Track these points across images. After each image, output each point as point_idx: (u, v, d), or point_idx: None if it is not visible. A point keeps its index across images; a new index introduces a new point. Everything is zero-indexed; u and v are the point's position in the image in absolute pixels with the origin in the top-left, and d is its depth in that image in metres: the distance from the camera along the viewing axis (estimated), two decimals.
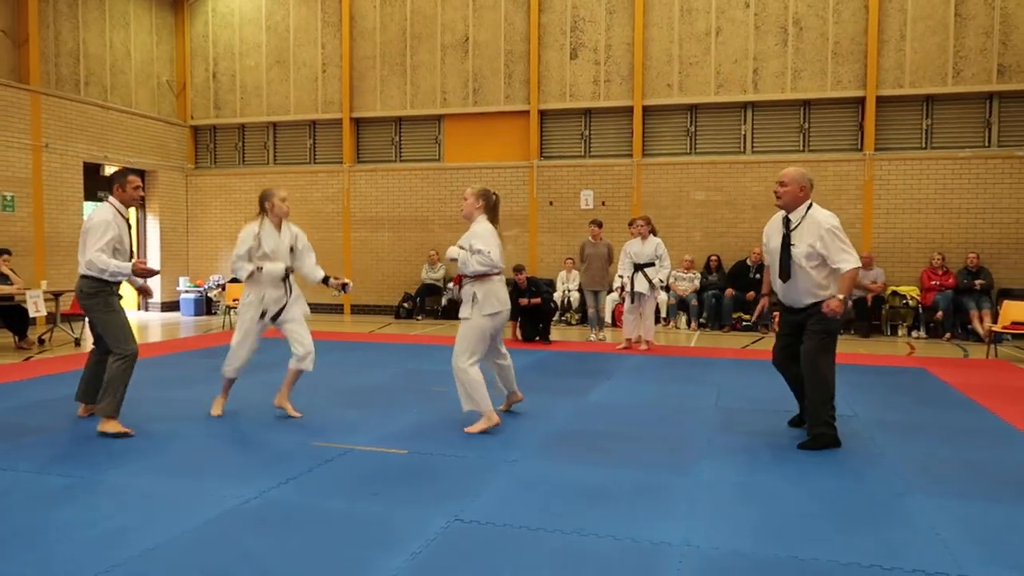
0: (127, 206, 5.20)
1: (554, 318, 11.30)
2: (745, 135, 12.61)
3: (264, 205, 5.40)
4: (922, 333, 11.08)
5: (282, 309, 5.45)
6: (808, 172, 4.98)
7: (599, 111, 13.18)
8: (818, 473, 4.18)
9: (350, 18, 13.97)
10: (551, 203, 13.26)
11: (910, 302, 11.27)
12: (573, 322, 12.29)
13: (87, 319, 5.29)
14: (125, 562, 2.91)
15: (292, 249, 5.48)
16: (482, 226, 5.00)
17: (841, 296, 4.62)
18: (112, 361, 4.89)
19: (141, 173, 14.08)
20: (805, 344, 4.81)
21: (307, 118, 14.48)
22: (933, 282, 11.11)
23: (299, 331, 5.48)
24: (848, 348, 9.87)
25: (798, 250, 4.75)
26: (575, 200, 13.14)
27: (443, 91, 13.69)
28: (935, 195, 11.69)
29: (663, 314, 11.98)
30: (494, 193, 5.17)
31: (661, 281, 9.38)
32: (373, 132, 14.34)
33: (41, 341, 9.58)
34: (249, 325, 5.45)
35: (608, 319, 11.60)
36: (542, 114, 13.36)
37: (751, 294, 11.56)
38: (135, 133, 13.88)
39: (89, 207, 13.77)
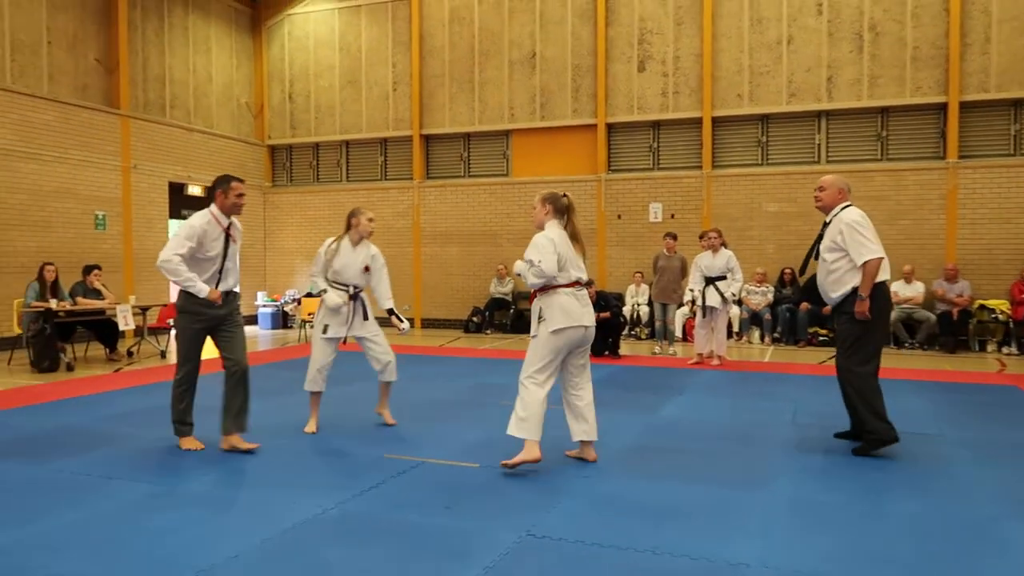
0: (228, 214, 4.83)
1: (623, 332, 11.21)
2: (819, 145, 12.29)
3: (351, 222, 5.54)
4: (1013, 349, 10.54)
5: (351, 326, 5.54)
6: (846, 179, 5.19)
7: (667, 123, 13.06)
8: (902, 494, 4.01)
9: (420, 37, 14.27)
10: (619, 217, 13.19)
11: (1000, 316, 10.74)
12: (643, 336, 12.16)
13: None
14: (210, 568, 3.02)
15: (368, 269, 5.58)
16: (542, 234, 4.48)
17: (863, 295, 4.68)
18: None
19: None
20: (838, 359, 4.94)
21: (378, 136, 14.83)
22: None
23: (373, 347, 5.60)
24: (933, 364, 9.47)
25: (823, 244, 4.98)
26: (644, 213, 13.04)
27: (511, 106, 13.82)
28: None
29: (736, 328, 11.74)
30: (564, 195, 4.58)
31: (733, 295, 9.19)
32: (442, 148, 14.57)
33: (130, 353, 10.04)
34: (317, 341, 5.59)
35: (678, 333, 11.45)
36: (609, 127, 13.33)
37: (828, 308, 11.20)
38: (216, 153, 14.47)
39: (174, 225, 14.42)
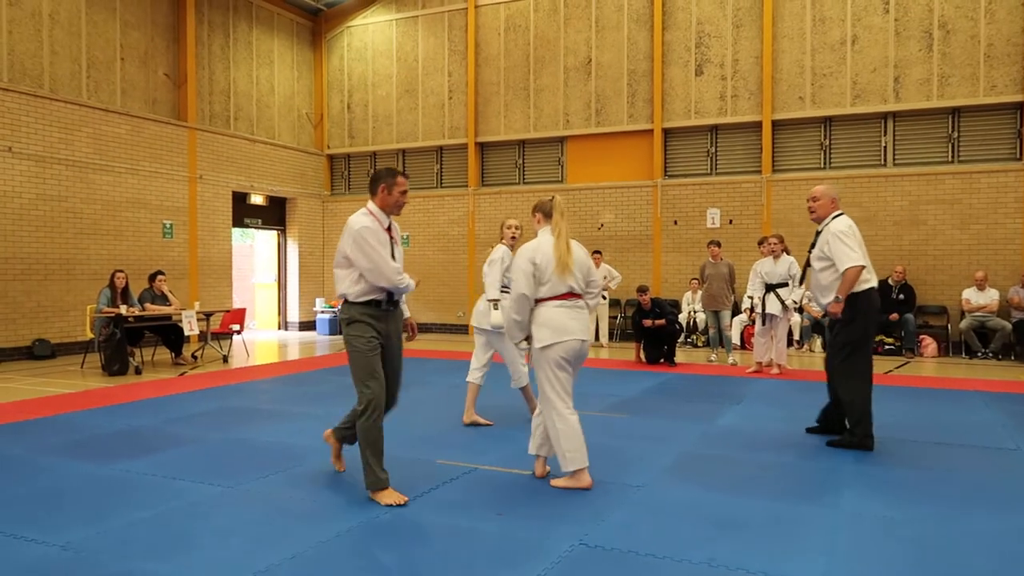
0: (389, 213, 4.17)
1: (679, 340, 11.04)
2: (886, 147, 11.91)
3: (503, 231, 5.92)
4: None
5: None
6: (836, 189, 5.57)
7: (726, 127, 12.85)
8: (973, 509, 3.83)
9: (475, 46, 14.38)
10: (676, 222, 13.02)
11: None
12: (699, 344, 11.96)
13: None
14: (267, 569, 3.07)
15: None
16: (519, 254, 4.31)
17: (840, 296, 4.96)
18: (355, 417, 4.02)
19: (282, 201, 15.06)
20: (832, 361, 5.23)
21: (434, 144, 14.98)
22: None
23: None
24: (1010, 375, 9.05)
25: (813, 253, 5.24)
26: (701, 219, 12.84)
27: (566, 113, 13.80)
28: None
29: (796, 337, 11.45)
30: (552, 197, 4.40)
31: (794, 302, 8.96)
32: (497, 156, 14.64)
33: (194, 358, 10.34)
34: (509, 345, 5.79)
35: (737, 341, 11.22)
36: (666, 132, 13.18)
37: (895, 315, 10.85)
38: (277, 163, 14.84)
39: (237, 233, 14.83)
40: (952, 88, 11.38)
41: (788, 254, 8.99)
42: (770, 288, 8.88)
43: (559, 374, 4.15)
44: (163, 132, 12.49)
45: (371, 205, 4.18)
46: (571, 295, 4.21)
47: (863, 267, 5.01)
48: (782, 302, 8.81)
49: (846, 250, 4.98)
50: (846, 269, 4.97)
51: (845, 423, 5.28)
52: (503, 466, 4.64)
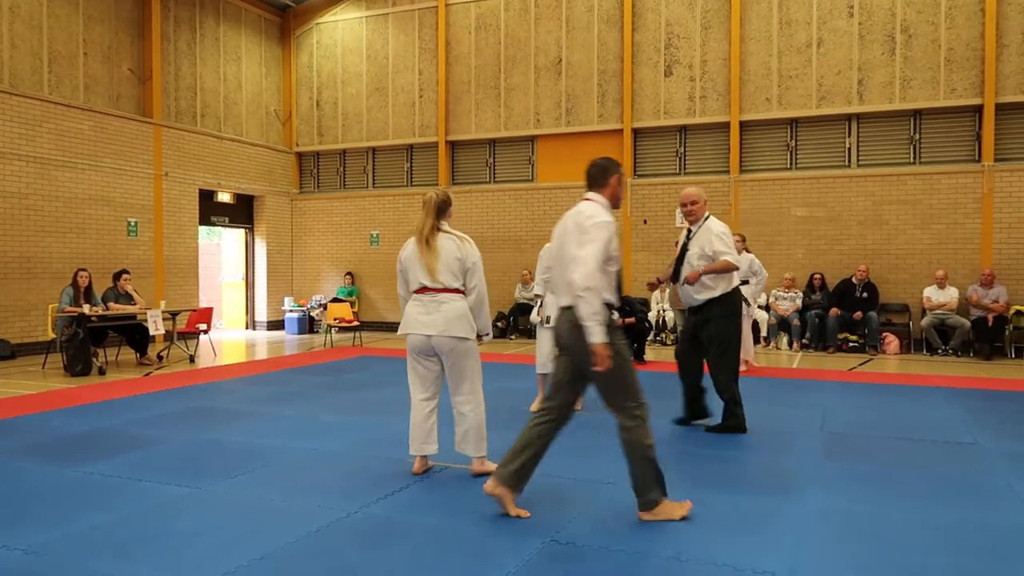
0: (615, 207, 3.81)
1: (649, 338, 11.13)
2: (850, 148, 12.13)
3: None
4: None
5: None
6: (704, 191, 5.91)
7: (695, 128, 12.98)
8: (936, 504, 3.92)
9: (446, 44, 14.34)
10: (645, 222, 13.12)
11: None
12: (668, 342, 12.07)
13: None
14: (236, 570, 3.04)
15: None
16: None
17: (704, 270, 5.39)
18: (622, 431, 3.59)
19: (250, 199, 14.88)
20: (709, 352, 5.52)
21: (404, 142, 14.92)
22: None
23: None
24: (968, 371, 9.28)
25: (694, 252, 5.49)
26: (670, 218, 12.95)
27: (536, 112, 13.83)
28: None
29: (764, 334, 11.61)
30: (434, 194, 4.31)
31: (761, 305, 9.07)
32: (468, 154, 14.62)
33: (160, 358, 10.18)
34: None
35: None
36: (636, 132, 13.28)
37: (859, 314, 11.06)
38: (245, 161, 14.66)
39: (204, 232, 14.63)
40: (914, 91, 11.62)
41: (748, 252, 9.11)
42: None
43: (412, 363, 4.37)
44: (127, 128, 12.27)
45: (598, 196, 3.74)
46: (425, 290, 4.24)
47: (738, 267, 5.56)
48: (745, 300, 8.91)
49: (728, 249, 5.44)
50: (725, 261, 5.42)
51: (705, 408, 5.79)
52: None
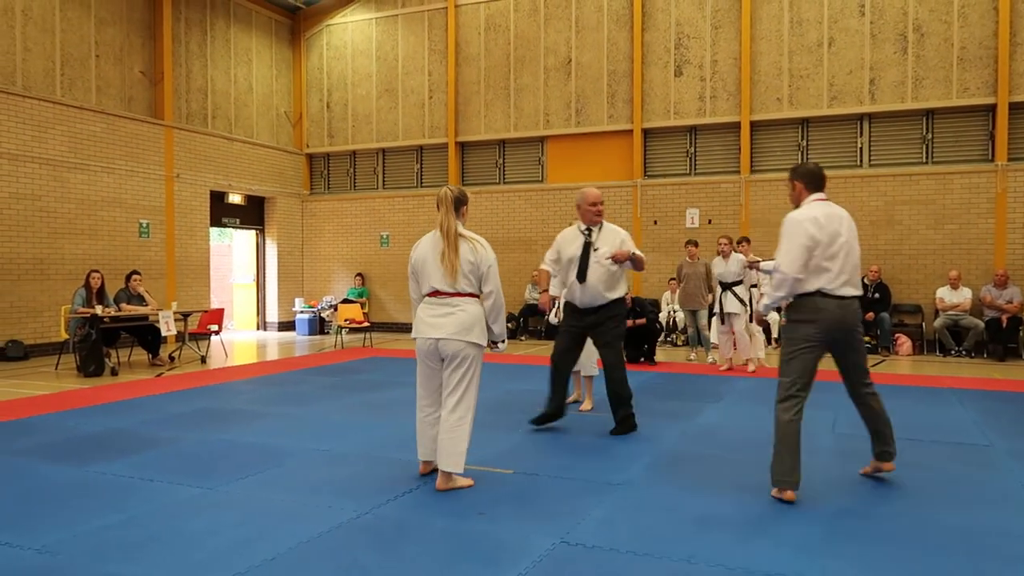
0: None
1: (659, 339, 11.11)
2: (861, 148, 12.06)
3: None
4: None
5: None
6: None
7: (705, 128, 12.94)
8: (949, 506, 3.89)
9: (455, 45, 14.36)
10: (655, 222, 13.09)
11: None
12: (679, 343, 12.04)
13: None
14: (247, 571, 3.05)
15: None
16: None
17: (632, 254, 5.47)
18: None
19: (261, 200, 14.95)
20: (605, 354, 5.60)
21: (414, 143, 14.95)
22: None
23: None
24: (982, 373, 9.20)
25: (602, 251, 5.52)
26: (680, 219, 12.92)
27: (546, 113, 13.82)
28: None
29: (775, 335, 11.55)
30: (449, 190, 4.24)
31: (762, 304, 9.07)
32: (477, 155, 14.63)
33: (172, 358, 10.23)
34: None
35: (714, 339, 11.30)
36: (646, 133, 13.25)
37: (871, 315, 10.99)
38: (256, 162, 14.72)
39: (215, 233, 14.70)
40: (926, 90, 11.55)
41: (736, 252, 9.14)
42: (726, 287, 9.02)
43: (419, 368, 4.25)
44: (139, 130, 12.34)
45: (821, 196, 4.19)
46: (436, 293, 4.12)
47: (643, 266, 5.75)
48: (740, 300, 8.95)
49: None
50: (642, 256, 5.62)
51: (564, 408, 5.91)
52: (484, 465, 4.64)
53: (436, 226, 4.22)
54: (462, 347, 4.07)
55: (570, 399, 6.77)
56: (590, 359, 6.42)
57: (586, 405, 6.52)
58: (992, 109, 11.25)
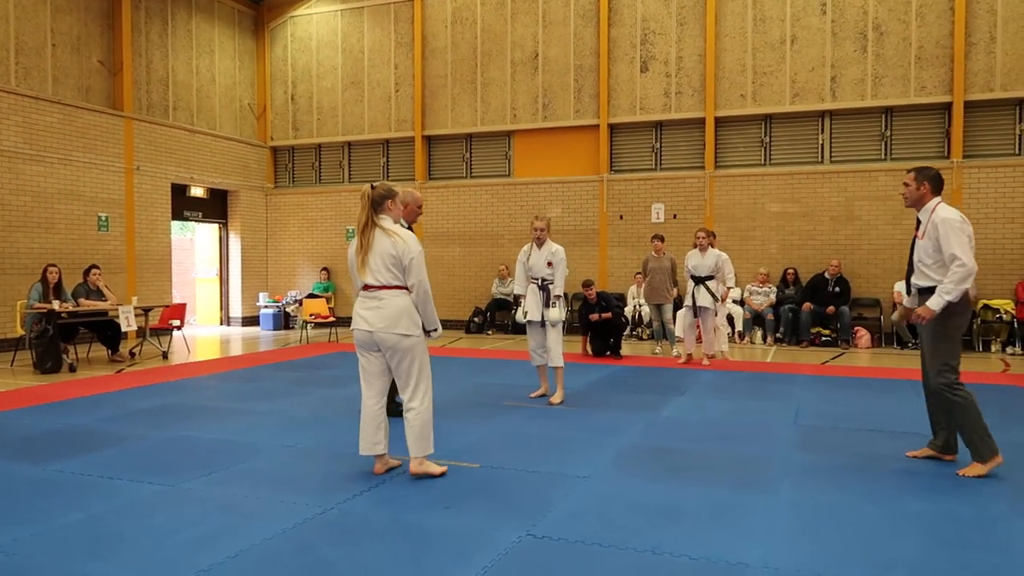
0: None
1: (625, 333, 11.20)
2: (823, 145, 12.27)
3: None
4: (1017, 349, 10.51)
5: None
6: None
7: (670, 123, 13.05)
8: (905, 495, 4.00)
9: (422, 38, 14.27)
10: (621, 217, 13.18)
11: (1004, 316, 10.70)
12: (644, 337, 12.15)
13: None
14: (210, 568, 3.02)
15: (550, 264, 6.65)
16: None
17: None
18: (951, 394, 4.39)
19: (224, 193, 14.72)
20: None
21: (380, 137, 14.84)
22: None
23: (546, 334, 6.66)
24: None
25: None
26: (646, 214, 13.03)
27: (513, 107, 13.82)
28: None
29: (738, 329, 11.72)
30: (370, 187, 4.28)
31: (731, 297, 9.22)
32: (444, 149, 14.58)
33: (132, 354, 10.05)
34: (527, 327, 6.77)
35: (679, 333, 11.44)
36: (612, 128, 13.32)
37: (831, 308, 11.20)
38: (219, 155, 14.49)
39: (177, 227, 14.44)
40: (885, 88, 11.79)
41: (714, 248, 9.21)
42: (698, 281, 9.08)
43: (359, 360, 4.34)
44: (97, 121, 12.07)
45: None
46: (368, 287, 4.22)
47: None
48: (712, 294, 9.02)
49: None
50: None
51: None
52: (449, 459, 4.64)
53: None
54: (396, 339, 4.16)
55: (536, 393, 6.81)
56: (558, 350, 6.52)
57: (556, 398, 6.56)
58: (948, 107, 11.53)
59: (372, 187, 4.26)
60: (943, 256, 4.32)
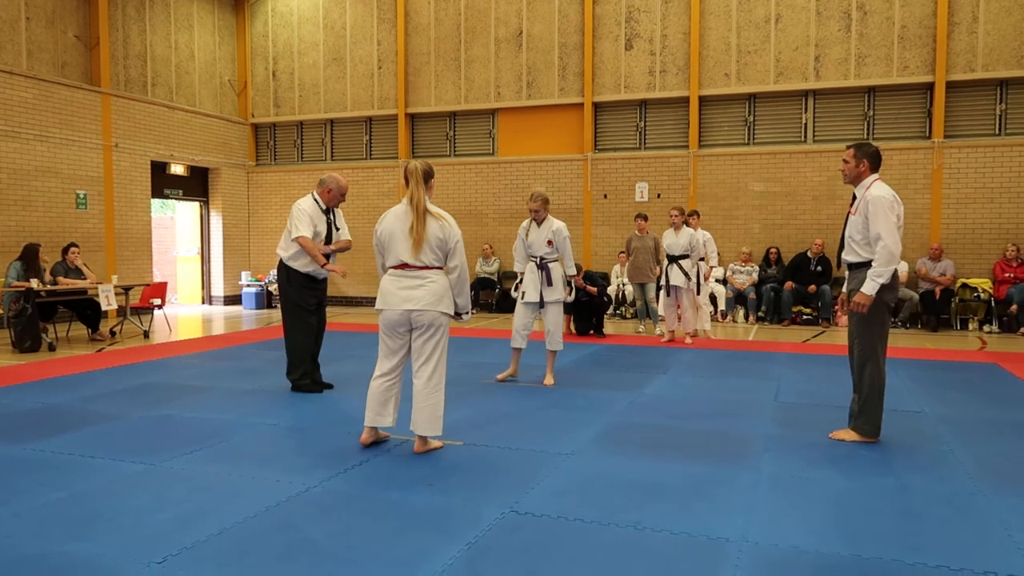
0: None
1: (608, 312, 11.24)
2: (806, 124, 12.30)
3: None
4: (995, 327, 10.66)
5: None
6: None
7: (654, 102, 13.02)
8: (883, 470, 4.06)
9: (405, 14, 14.11)
10: (605, 196, 13.18)
11: (982, 295, 10.85)
12: (628, 316, 12.21)
13: None
14: (194, 545, 3.02)
15: (551, 242, 6.42)
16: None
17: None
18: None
19: (204, 171, 14.56)
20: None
21: (363, 114, 14.70)
22: (1007, 274, 10.68)
23: (545, 315, 6.58)
24: (916, 342, 9.57)
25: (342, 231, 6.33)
26: (630, 193, 13.03)
27: (497, 85, 13.73)
28: (1009, 184, 11.22)
29: (721, 307, 11.80)
30: (418, 163, 4.28)
31: (714, 277, 9.29)
32: (428, 127, 14.47)
33: (113, 333, 9.96)
34: (518, 305, 6.62)
35: (662, 312, 11.51)
36: (596, 106, 13.28)
37: (812, 287, 11.29)
38: (199, 132, 14.30)
39: (157, 205, 14.26)
40: (868, 68, 11.81)
41: (689, 227, 9.25)
42: (672, 259, 9.13)
43: (383, 338, 4.32)
44: (74, 97, 11.86)
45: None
46: (405, 266, 4.21)
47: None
48: (685, 273, 9.07)
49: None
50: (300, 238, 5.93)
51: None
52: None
53: (398, 199, 4.35)
54: (436, 316, 4.21)
55: (504, 374, 6.68)
56: (559, 334, 6.48)
57: (548, 379, 6.51)
58: (930, 87, 11.59)
59: (420, 163, 4.26)
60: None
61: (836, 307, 11.42)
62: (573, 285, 6.45)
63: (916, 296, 10.99)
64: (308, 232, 5.86)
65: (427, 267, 4.21)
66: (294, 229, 5.88)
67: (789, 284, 11.43)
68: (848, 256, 4.57)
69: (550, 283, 6.40)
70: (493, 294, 13.41)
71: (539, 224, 6.43)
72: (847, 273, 4.62)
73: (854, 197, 4.57)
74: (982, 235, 11.34)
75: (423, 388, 4.24)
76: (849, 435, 4.62)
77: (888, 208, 4.33)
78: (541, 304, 6.45)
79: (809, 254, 11.58)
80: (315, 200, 6.07)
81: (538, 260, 6.43)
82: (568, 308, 10.11)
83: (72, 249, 9.66)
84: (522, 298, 6.49)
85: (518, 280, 6.61)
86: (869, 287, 4.35)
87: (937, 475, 3.99)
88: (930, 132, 11.63)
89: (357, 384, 5.98)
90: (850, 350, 4.66)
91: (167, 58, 13.76)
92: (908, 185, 11.59)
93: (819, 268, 11.49)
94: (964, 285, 11.00)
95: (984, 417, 5.38)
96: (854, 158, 4.54)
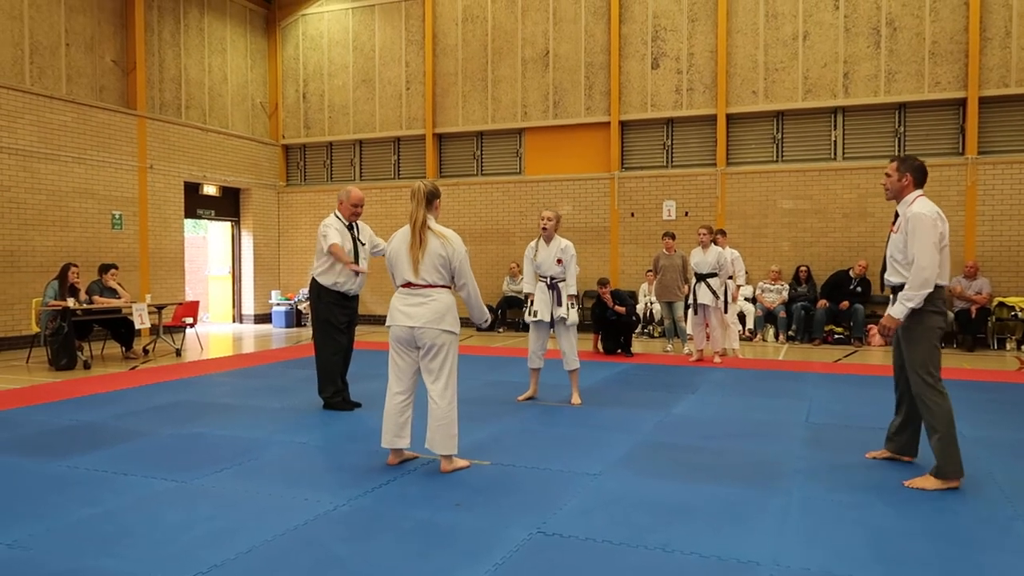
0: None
1: (636, 331, 11.18)
2: (835, 141, 12.19)
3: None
4: None
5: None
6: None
7: (681, 120, 13.00)
8: (918, 493, 3.97)
9: (433, 36, 14.29)
10: (632, 214, 13.15)
11: (1019, 314, 10.60)
12: (656, 335, 12.12)
13: None
14: (223, 563, 3.04)
15: (560, 261, 6.42)
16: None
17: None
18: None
19: (236, 191, 14.79)
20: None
21: (392, 135, 14.87)
22: None
23: (559, 335, 6.56)
24: (952, 363, 9.37)
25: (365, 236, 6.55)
26: (657, 211, 12.99)
27: (524, 105, 13.81)
28: None
29: (749, 326, 11.67)
30: (422, 184, 4.32)
31: (742, 296, 9.20)
32: (455, 147, 14.59)
33: (146, 352, 10.12)
34: (531, 326, 6.64)
35: (690, 330, 11.41)
36: (623, 125, 13.29)
37: (845, 303, 11.12)
38: (231, 153, 14.57)
39: (189, 225, 14.52)
40: (898, 84, 11.69)
41: (717, 245, 9.19)
42: (700, 278, 9.06)
43: (393, 355, 4.40)
44: (111, 120, 12.15)
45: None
46: (409, 284, 4.28)
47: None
48: (713, 292, 8.99)
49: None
50: (332, 245, 6.06)
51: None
52: (460, 457, 4.65)
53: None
54: (437, 334, 4.25)
55: (524, 396, 6.64)
56: (574, 353, 6.44)
57: (575, 399, 6.47)
58: (963, 103, 11.42)
59: (424, 183, 4.32)
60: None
61: (868, 326, 11.24)
62: (581, 303, 6.45)
63: (951, 315, 10.78)
64: (339, 240, 6.03)
65: (431, 285, 4.26)
66: (324, 241, 6.02)
67: (823, 302, 11.27)
68: (891, 277, 4.27)
69: (560, 303, 6.38)
70: (520, 312, 13.39)
71: (547, 243, 6.42)
72: (891, 295, 4.33)
73: (896, 215, 4.32)
74: (1019, 252, 11.11)
75: (436, 407, 4.29)
76: (930, 483, 4.04)
77: (930, 226, 4.04)
78: (552, 324, 6.44)
79: (851, 273, 11.37)
80: (337, 217, 6.22)
81: (548, 280, 6.41)
82: (596, 327, 10.08)
83: (111, 271, 9.86)
84: (534, 318, 6.45)
85: (529, 302, 6.52)
86: (897, 310, 4.09)
87: (975, 499, 3.89)
88: (963, 148, 11.46)
89: (383, 403, 5.99)
90: (895, 372, 4.48)
91: (200, 81, 14.06)
92: (942, 202, 11.32)
93: (859, 288, 11.29)
94: (1001, 304, 10.76)
95: (1022, 439, 5.24)
96: (897, 171, 4.28)
